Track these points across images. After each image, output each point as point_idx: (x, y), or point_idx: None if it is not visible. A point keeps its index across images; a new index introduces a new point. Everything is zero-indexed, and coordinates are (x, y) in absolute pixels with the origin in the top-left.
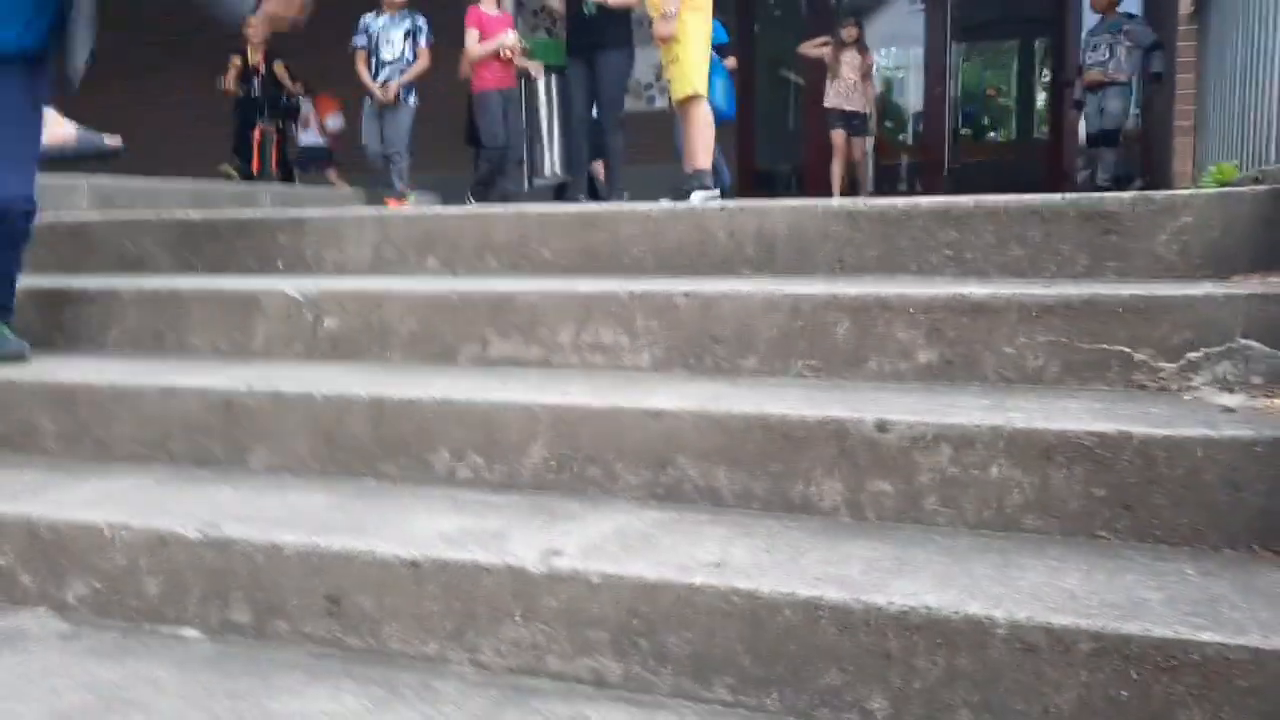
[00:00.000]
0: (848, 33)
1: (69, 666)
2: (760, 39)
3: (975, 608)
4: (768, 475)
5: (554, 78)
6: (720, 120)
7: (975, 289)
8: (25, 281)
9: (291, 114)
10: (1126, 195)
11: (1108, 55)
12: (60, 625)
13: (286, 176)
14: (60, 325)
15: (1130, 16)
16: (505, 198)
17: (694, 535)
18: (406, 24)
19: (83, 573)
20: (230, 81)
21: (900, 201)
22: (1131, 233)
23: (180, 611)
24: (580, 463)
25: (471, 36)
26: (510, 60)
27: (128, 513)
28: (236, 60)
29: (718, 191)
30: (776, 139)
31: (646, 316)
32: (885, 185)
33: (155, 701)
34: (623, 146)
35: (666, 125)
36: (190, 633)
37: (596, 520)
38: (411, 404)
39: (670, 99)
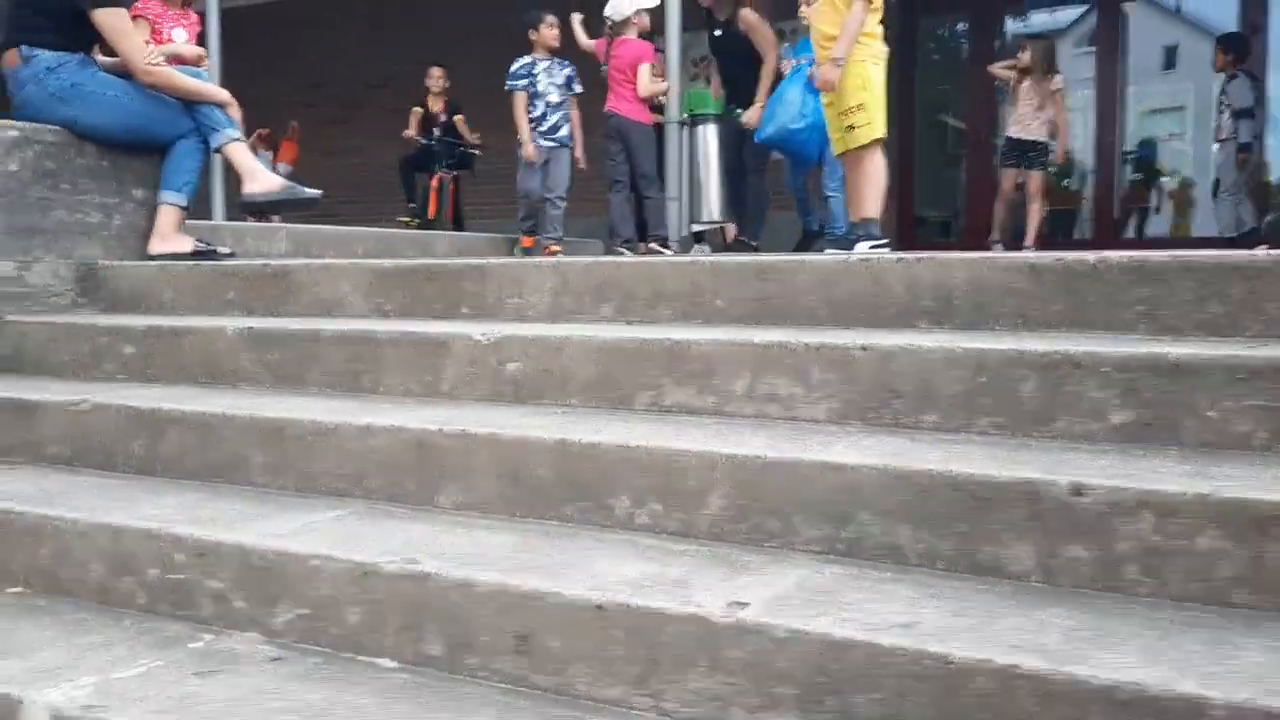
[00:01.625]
0: (1022, 57)
1: (279, 689)
2: (921, 83)
3: (1189, 686)
4: (954, 535)
5: (713, 124)
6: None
7: (1174, 348)
8: (239, 320)
9: (467, 164)
10: None
11: (1219, 115)
12: (270, 649)
13: (458, 224)
14: (266, 363)
15: (1234, 76)
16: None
17: (879, 593)
18: (567, 70)
19: (290, 601)
20: (414, 128)
21: (1088, 255)
22: None
23: (378, 642)
24: (759, 514)
25: (645, 71)
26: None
27: (331, 544)
28: (418, 110)
29: (886, 242)
30: (936, 185)
31: (823, 369)
32: (1053, 232)
33: None
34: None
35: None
36: (387, 663)
37: (777, 573)
38: (594, 448)
39: (842, 145)
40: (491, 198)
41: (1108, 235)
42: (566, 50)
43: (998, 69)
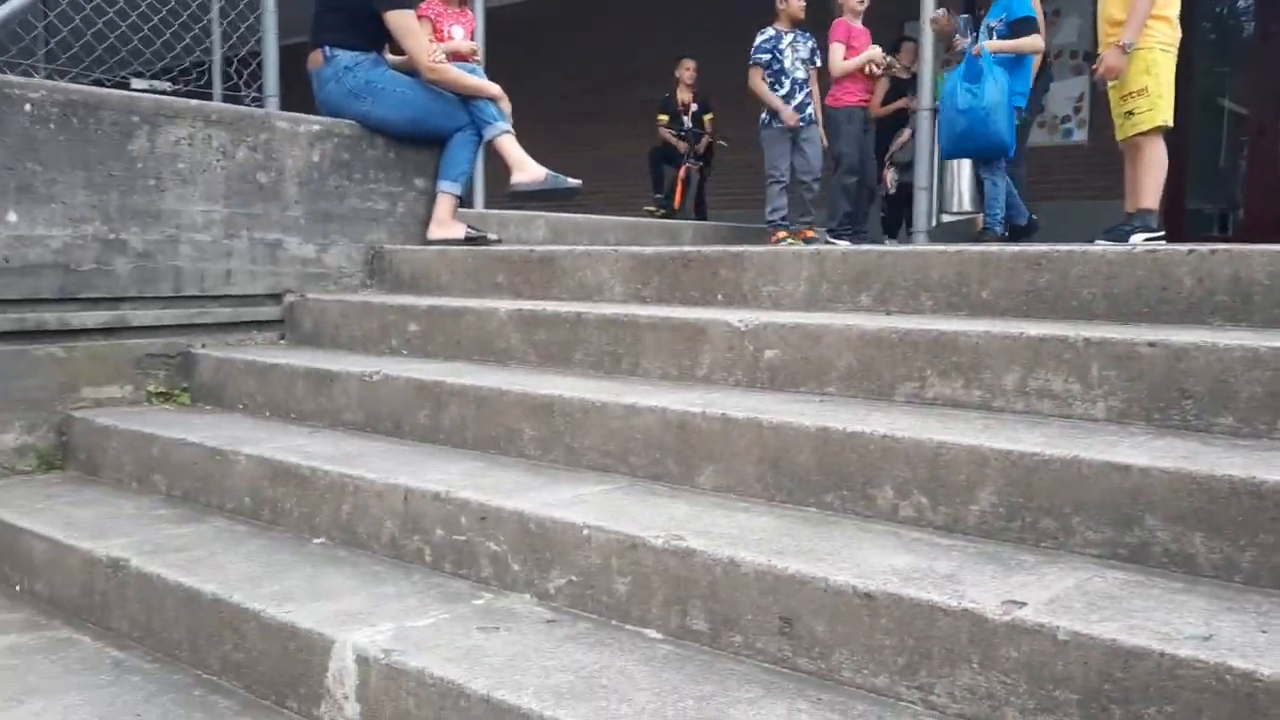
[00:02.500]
0: None
1: (554, 649)
2: (1197, 64)
3: None
4: (1256, 546)
5: None
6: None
7: None
8: (508, 302)
9: (708, 158)
10: None
11: None
12: (543, 611)
13: (701, 215)
14: (533, 342)
15: None
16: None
17: (1169, 602)
18: (811, 43)
19: (562, 567)
20: (663, 130)
21: None
22: None
23: (644, 612)
24: (1033, 513)
25: (838, 51)
26: (873, 76)
27: (600, 516)
28: (663, 117)
29: (1162, 234)
30: (1212, 175)
31: (1103, 365)
32: None
33: (630, 691)
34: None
35: (1081, 160)
36: (652, 633)
37: (1055, 574)
38: (857, 437)
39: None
40: (730, 188)
41: None
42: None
43: None
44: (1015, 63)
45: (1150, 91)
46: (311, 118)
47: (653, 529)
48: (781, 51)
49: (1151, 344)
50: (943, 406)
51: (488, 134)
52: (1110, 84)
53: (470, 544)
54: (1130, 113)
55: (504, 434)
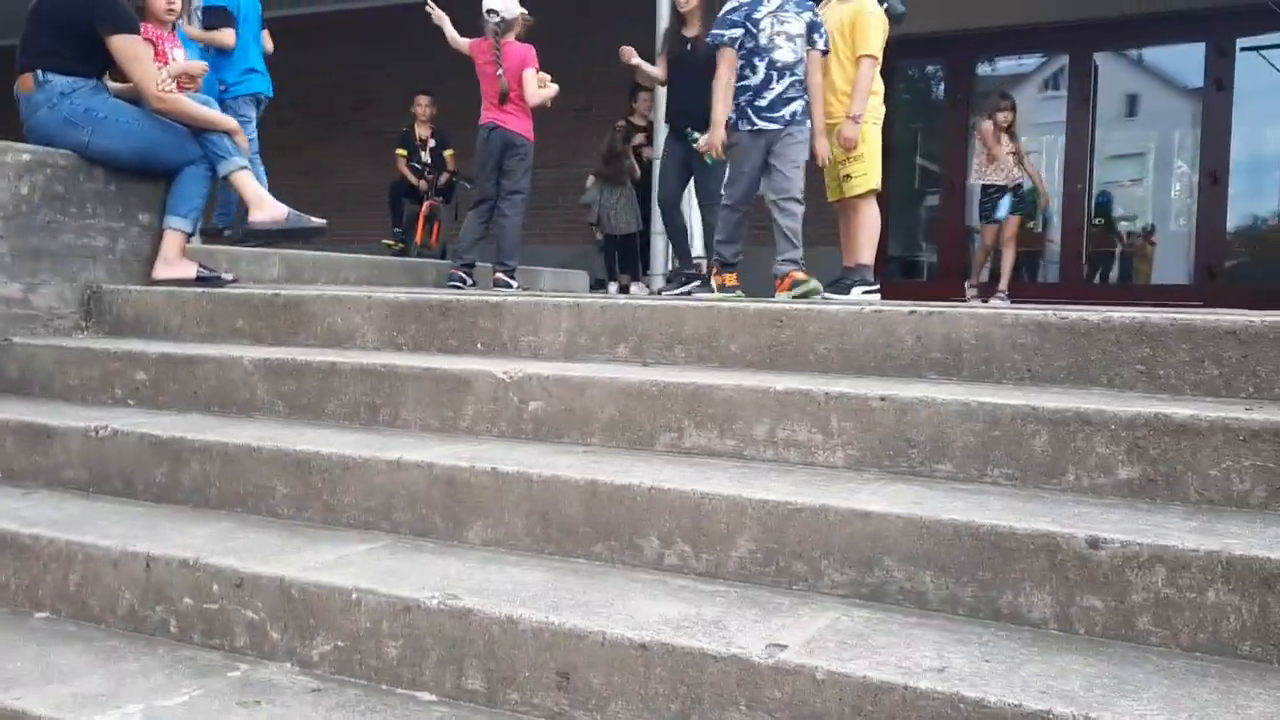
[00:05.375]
0: (1001, 117)
1: None
2: (894, 128)
3: None
4: (976, 583)
5: None
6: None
7: (1178, 409)
8: (252, 349)
9: (449, 194)
10: None
11: None
12: (307, 680)
13: (442, 254)
14: (282, 393)
15: None
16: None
17: (907, 637)
18: (808, 14)
19: (328, 632)
20: (401, 165)
21: (1091, 315)
22: None
23: (416, 675)
24: (786, 558)
25: (534, 78)
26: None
27: (369, 577)
28: (402, 151)
29: (878, 288)
30: (909, 225)
31: (841, 417)
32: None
33: None
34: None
35: None
36: (426, 695)
37: (809, 615)
38: (624, 489)
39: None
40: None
41: (1075, 280)
42: None
43: (987, 129)
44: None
45: (866, 158)
46: (20, 146)
47: (426, 589)
48: (757, 23)
49: (882, 398)
50: (700, 456)
51: (222, 169)
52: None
53: (224, 612)
54: (848, 176)
55: (254, 492)
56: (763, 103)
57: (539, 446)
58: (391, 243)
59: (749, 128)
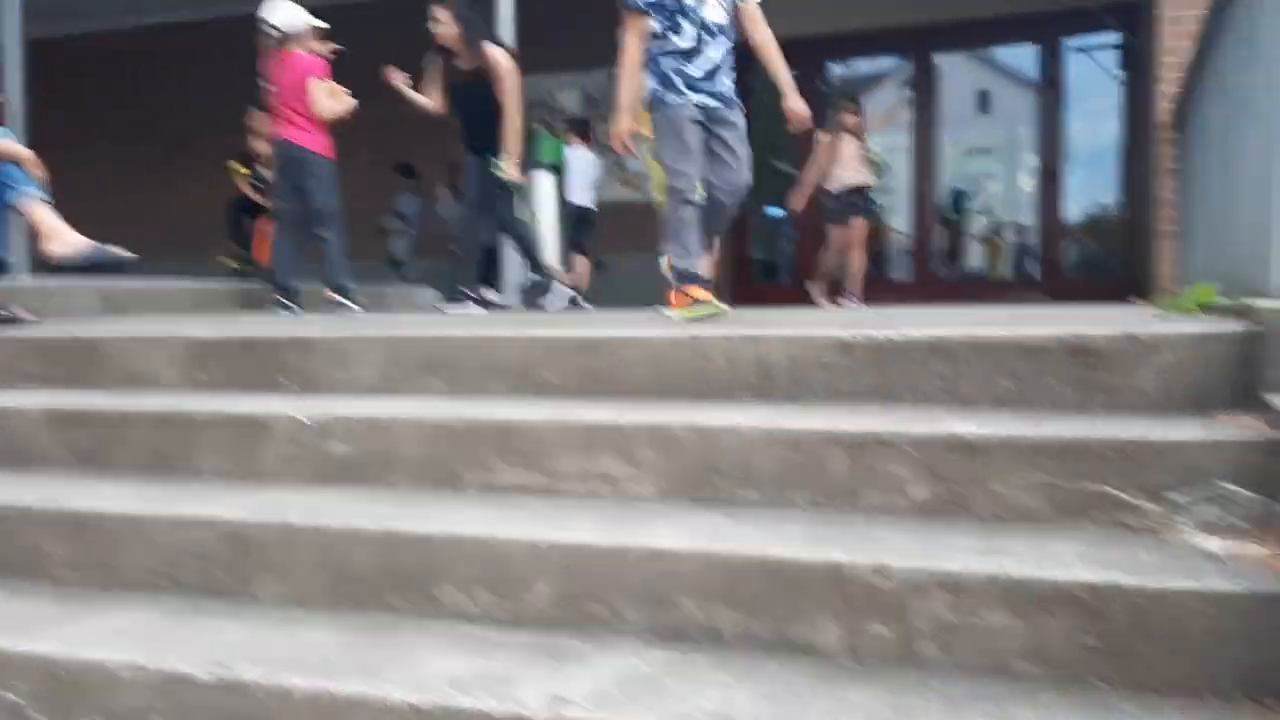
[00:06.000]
0: (848, 119)
1: None
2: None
3: None
4: (770, 616)
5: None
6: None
7: (969, 428)
8: (36, 398)
9: None
10: (1111, 333)
11: None
12: None
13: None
14: (70, 443)
15: None
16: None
17: (697, 681)
18: None
19: (92, 712)
20: (241, 182)
21: (893, 334)
22: (1116, 369)
23: None
24: (585, 600)
25: (321, 88)
26: None
27: (140, 651)
28: (243, 170)
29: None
30: (769, 231)
31: (648, 448)
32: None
33: None
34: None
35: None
36: None
37: (602, 661)
38: (421, 540)
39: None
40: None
41: (927, 278)
42: None
43: (834, 132)
44: None
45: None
46: None
47: (202, 661)
48: None
49: (688, 428)
50: (510, 493)
51: (10, 199)
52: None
53: None
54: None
55: (26, 556)
56: (697, 72)
57: (341, 491)
58: (232, 263)
59: (678, 100)
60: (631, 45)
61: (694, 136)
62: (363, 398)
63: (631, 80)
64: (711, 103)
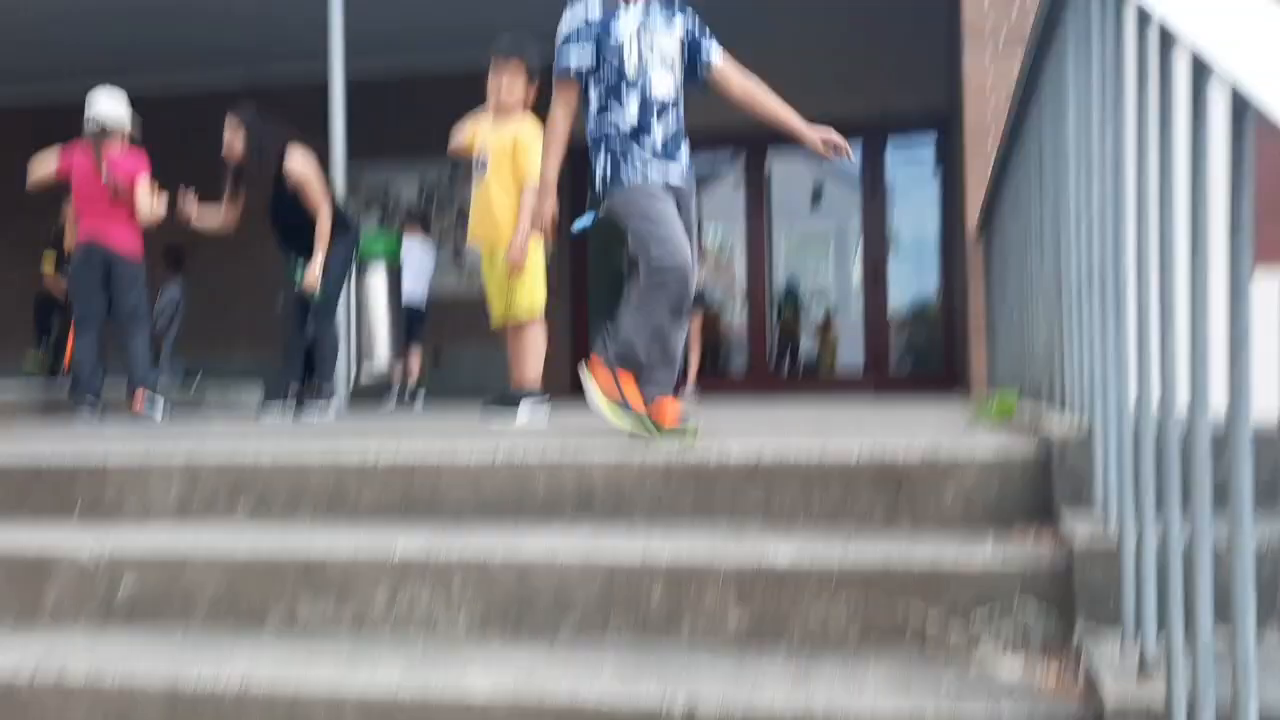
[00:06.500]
0: None
1: None
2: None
3: None
4: None
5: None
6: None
7: (781, 551)
8: None
9: None
10: (914, 457)
11: None
12: None
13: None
14: None
15: None
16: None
17: None
18: (679, 22)
19: None
20: (49, 273)
21: (711, 459)
22: (920, 489)
23: None
24: None
25: (148, 191)
26: None
27: None
28: (52, 255)
29: (546, 397)
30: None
31: (463, 579)
32: (708, 363)
33: None
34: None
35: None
36: None
37: None
38: (208, 696)
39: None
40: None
41: (761, 373)
42: None
43: None
44: None
45: (528, 284)
46: None
47: None
48: (619, 47)
49: (502, 561)
50: (315, 629)
51: None
52: (509, 273)
53: None
54: (517, 300)
55: None
56: (649, 151)
57: (131, 635)
58: (38, 362)
59: (640, 181)
60: (559, 117)
61: (670, 204)
62: (161, 526)
63: (557, 156)
64: (676, 181)
